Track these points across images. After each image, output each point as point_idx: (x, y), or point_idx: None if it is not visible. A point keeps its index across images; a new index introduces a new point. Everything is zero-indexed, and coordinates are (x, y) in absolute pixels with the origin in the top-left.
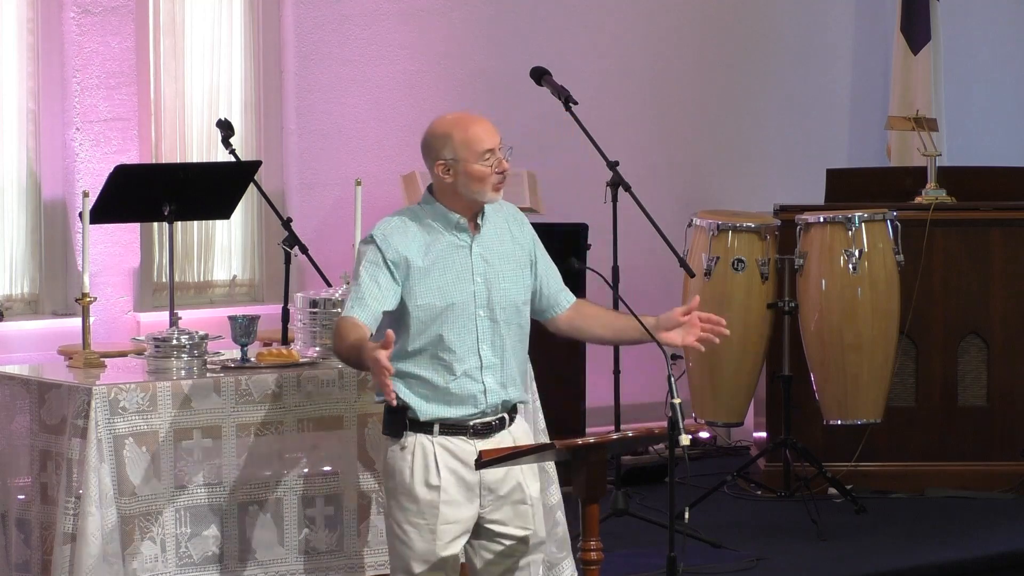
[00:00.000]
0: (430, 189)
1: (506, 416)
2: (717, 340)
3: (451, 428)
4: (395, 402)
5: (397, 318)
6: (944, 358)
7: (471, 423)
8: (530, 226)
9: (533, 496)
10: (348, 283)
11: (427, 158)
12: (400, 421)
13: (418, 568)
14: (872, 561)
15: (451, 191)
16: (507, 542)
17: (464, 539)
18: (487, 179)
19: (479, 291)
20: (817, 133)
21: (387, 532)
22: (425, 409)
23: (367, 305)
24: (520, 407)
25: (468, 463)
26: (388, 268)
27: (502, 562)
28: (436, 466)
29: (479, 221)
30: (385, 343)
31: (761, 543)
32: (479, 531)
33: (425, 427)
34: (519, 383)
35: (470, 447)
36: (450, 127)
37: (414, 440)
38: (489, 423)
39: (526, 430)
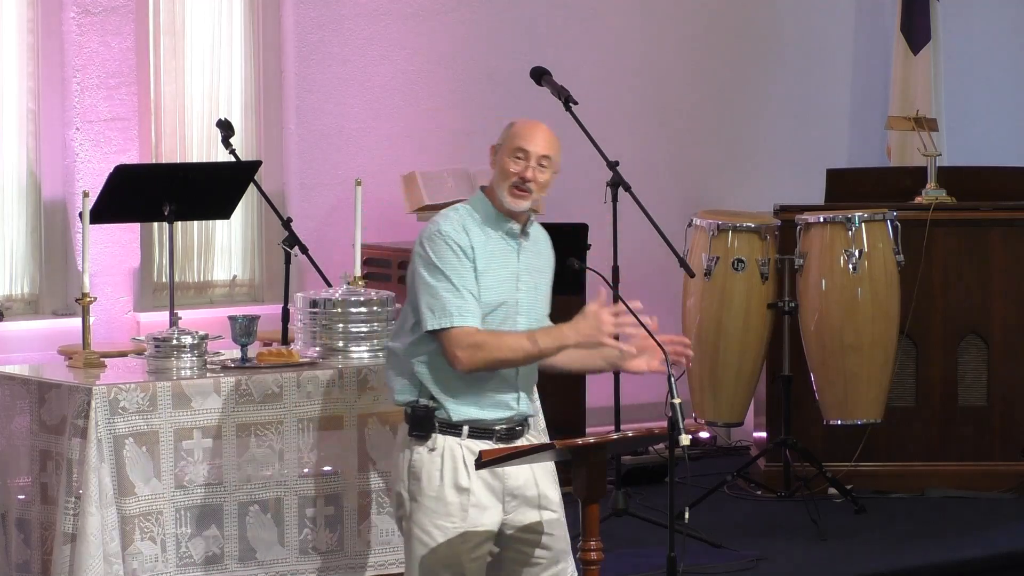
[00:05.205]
0: (483, 188)
1: (525, 423)
2: (684, 361)
3: (479, 431)
4: (621, 348)
5: None
6: (944, 358)
7: (498, 427)
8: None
9: (556, 503)
10: (348, 283)
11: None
12: (429, 422)
13: (443, 573)
14: (872, 561)
15: (492, 184)
16: (532, 550)
17: (488, 546)
18: (508, 178)
19: (522, 298)
20: (817, 133)
21: (407, 538)
22: (457, 409)
23: (473, 310)
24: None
25: (494, 469)
26: (472, 260)
27: (527, 572)
28: (466, 469)
29: (528, 229)
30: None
31: (761, 543)
32: (502, 539)
33: (454, 429)
34: (534, 394)
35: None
36: (515, 120)
37: (443, 442)
38: (514, 428)
39: (538, 437)
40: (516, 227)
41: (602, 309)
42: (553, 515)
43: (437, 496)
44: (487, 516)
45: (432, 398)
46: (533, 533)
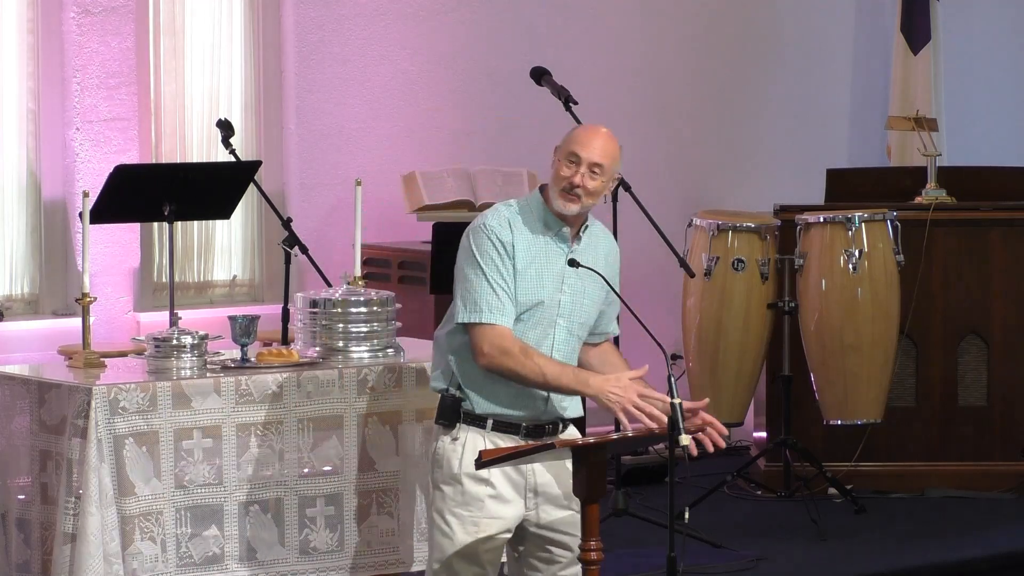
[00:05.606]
0: (541, 187)
1: (560, 423)
2: (711, 449)
3: (504, 426)
4: (626, 425)
5: None
6: (944, 358)
7: (524, 424)
8: (618, 260)
9: (579, 502)
10: (348, 283)
11: None
12: (455, 412)
13: (458, 562)
14: (872, 561)
15: (549, 185)
16: (555, 548)
17: (504, 538)
18: (559, 182)
19: (565, 300)
20: (817, 133)
21: (428, 523)
22: (481, 403)
23: (506, 310)
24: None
25: (519, 465)
26: (512, 258)
27: (547, 569)
28: None
29: (581, 234)
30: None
31: (761, 543)
32: (525, 535)
33: (478, 421)
34: (577, 398)
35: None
36: (581, 124)
37: (466, 433)
38: (542, 426)
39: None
40: (567, 230)
41: (634, 385)
42: (576, 514)
43: (455, 485)
44: (507, 509)
45: (460, 388)
46: (555, 531)
